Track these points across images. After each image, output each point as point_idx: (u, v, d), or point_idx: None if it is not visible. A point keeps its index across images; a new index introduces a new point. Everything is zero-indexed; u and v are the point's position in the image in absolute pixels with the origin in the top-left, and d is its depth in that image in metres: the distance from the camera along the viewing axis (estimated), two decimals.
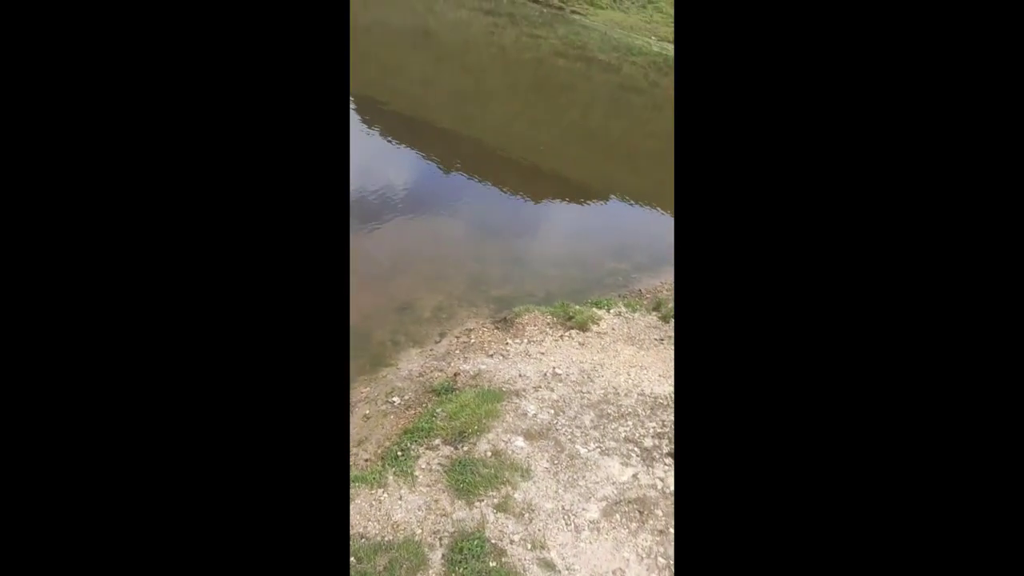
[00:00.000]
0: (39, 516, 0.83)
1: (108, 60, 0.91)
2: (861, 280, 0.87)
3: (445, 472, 3.15)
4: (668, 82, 14.99)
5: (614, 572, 2.71)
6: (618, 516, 2.99)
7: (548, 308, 4.93)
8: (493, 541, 2.78)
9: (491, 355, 4.36)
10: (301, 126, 0.99)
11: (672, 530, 2.93)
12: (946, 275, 0.80)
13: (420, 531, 2.82)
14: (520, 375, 4.07)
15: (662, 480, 3.23)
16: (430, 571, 2.63)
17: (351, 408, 3.71)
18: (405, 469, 3.15)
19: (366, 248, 5.45)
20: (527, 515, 2.94)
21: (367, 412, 3.75)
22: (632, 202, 8.77)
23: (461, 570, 2.62)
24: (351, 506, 2.86)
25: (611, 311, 5.03)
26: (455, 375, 4.08)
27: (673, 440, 3.52)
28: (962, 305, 0.78)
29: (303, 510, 0.94)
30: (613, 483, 3.19)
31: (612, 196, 8.89)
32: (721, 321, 0.95)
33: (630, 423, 3.66)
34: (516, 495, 3.04)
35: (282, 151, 0.97)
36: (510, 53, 15.10)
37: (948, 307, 0.78)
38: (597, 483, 3.18)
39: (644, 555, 2.80)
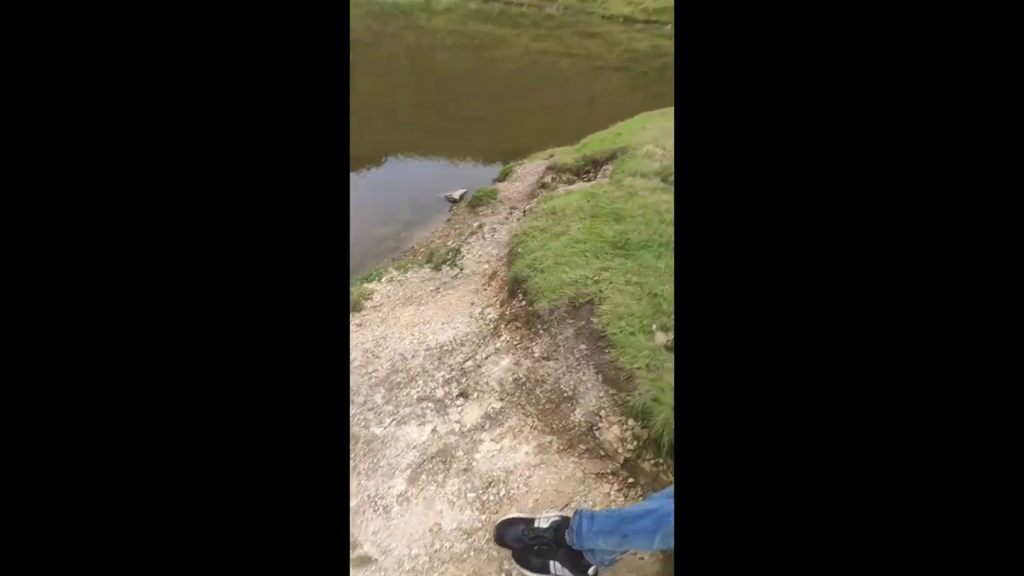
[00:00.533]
0: (38, 507, 0.81)
1: None
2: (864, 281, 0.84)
3: None
4: (391, 30, 14.49)
5: (431, 529, 2.75)
6: (424, 476, 3.01)
7: None
8: None
9: None
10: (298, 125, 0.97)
11: (476, 464, 3.06)
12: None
13: None
14: None
15: (458, 422, 3.32)
16: None
17: None
18: None
19: None
20: None
21: None
22: (399, 156, 8.55)
23: None
24: None
25: (383, 279, 4.90)
26: None
27: (469, 381, 3.62)
28: (967, 297, 0.77)
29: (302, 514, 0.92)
30: (414, 447, 3.19)
31: (385, 157, 8.54)
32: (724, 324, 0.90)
33: (420, 382, 3.67)
34: None
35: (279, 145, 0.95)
36: None
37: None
38: (398, 455, 3.15)
39: (455, 499, 2.89)
